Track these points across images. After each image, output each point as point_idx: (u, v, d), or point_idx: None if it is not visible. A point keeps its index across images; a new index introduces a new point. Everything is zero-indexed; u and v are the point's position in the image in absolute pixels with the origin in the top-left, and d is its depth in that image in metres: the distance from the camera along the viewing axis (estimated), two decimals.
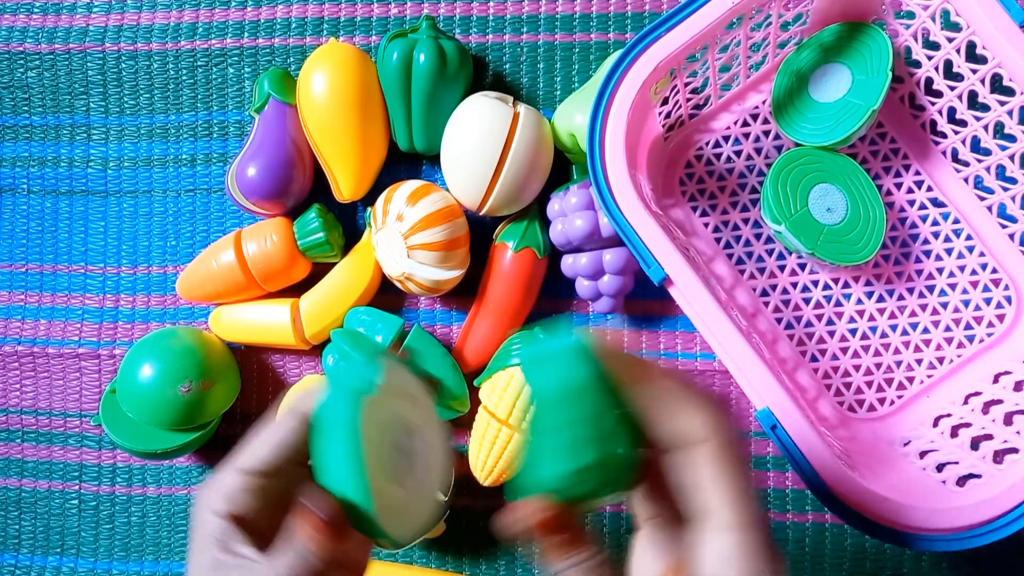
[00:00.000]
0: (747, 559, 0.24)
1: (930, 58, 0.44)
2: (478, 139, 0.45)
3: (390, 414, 0.29)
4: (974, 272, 0.47)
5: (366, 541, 0.29)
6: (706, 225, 0.50)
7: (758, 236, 0.49)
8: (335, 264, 0.51)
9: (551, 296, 0.51)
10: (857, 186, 0.46)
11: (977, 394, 0.45)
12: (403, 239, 0.46)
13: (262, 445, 0.29)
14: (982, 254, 0.47)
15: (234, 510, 0.28)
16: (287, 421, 0.29)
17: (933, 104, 0.46)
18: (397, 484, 0.29)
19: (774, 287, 0.49)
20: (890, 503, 0.36)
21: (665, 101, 0.46)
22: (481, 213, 0.48)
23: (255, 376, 0.53)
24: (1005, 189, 0.45)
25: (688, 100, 0.48)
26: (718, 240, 0.50)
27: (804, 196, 0.45)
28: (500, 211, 0.48)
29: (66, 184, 0.55)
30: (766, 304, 0.49)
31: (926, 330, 0.48)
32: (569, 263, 0.48)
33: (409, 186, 0.47)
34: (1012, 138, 0.43)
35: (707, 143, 0.50)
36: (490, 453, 0.47)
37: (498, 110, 0.46)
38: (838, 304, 0.49)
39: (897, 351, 0.48)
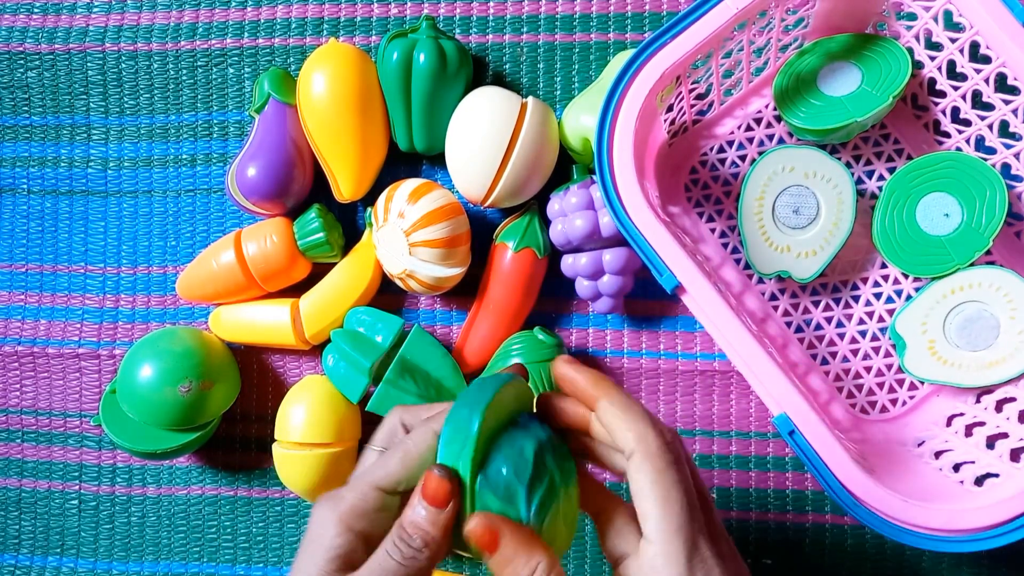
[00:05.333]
0: (666, 570, 0.26)
1: (933, 59, 0.44)
2: (486, 129, 0.45)
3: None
4: None
5: (447, 528, 0.28)
6: (712, 231, 0.50)
7: None
8: (335, 264, 0.51)
9: (551, 296, 0.51)
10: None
11: (989, 392, 0.45)
12: (405, 236, 0.46)
13: (396, 460, 0.29)
14: (989, 252, 0.47)
15: (367, 529, 0.28)
16: (421, 434, 0.29)
17: (936, 104, 0.46)
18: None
19: (783, 291, 0.49)
20: (911, 505, 0.36)
21: (669, 108, 0.46)
22: (485, 205, 0.48)
23: (255, 376, 0.53)
24: (1011, 187, 0.45)
25: (692, 106, 0.48)
26: (725, 245, 0.50)
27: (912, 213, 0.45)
28: (504, 203, 0.48)
29: (66, 184, 0.55)
30: (775, 308, 0.49)
31: None
32: (569, 263, 0.48)
33: (410, 184, 0.47)
34: (1017, 136, 0.43)
35: (711, 148, 0.50)
36: None
37: (507, 100, 0.46)
38: (847, 306, 0.49)
39: None
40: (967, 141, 0.45)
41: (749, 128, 0.50)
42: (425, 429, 0.29)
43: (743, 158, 0.50)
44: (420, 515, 0.27)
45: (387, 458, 0.29)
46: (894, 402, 0.48)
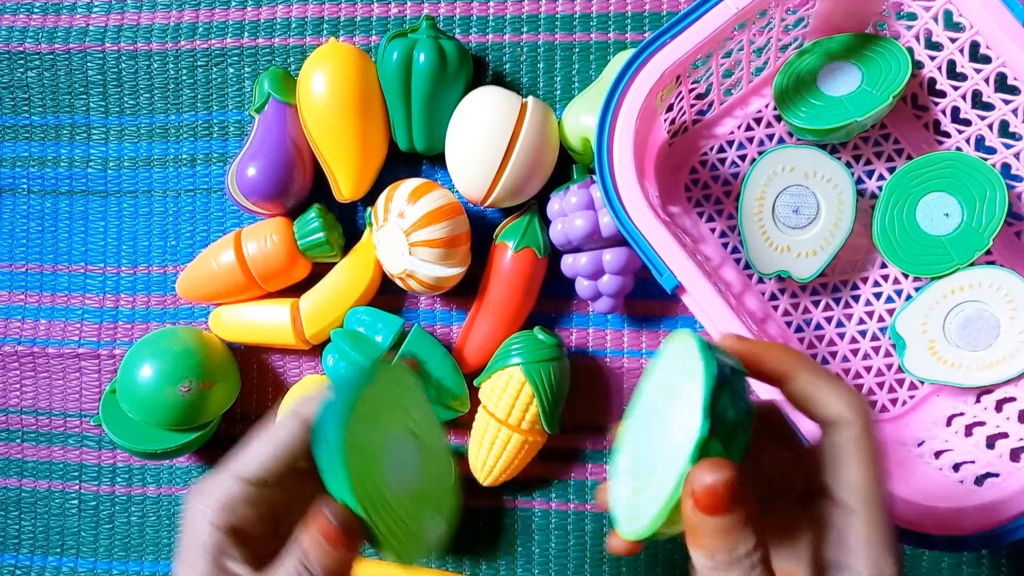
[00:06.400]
0: (875, 541, 0.25)
1: (933, 59, 0.44)
2: (486, 129, 0.45)
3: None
4: None
5: (353, 558, 0.27)
6: (712, 231, 0.50)
7: None
8: (335, 264, 0.51)
9: (551, 296, 0.51)
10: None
11: (989, 392, 0.45)
12: (405, 236, 0.46)
13: (262, 451, 0.27)
14: (989, 252, 0.47)
15: (232, 522, 0.26)
16: (289, 425, 0.28)
17: (936, 104, 0.46)
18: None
19: (783, 291, 0.49)
20: (910, 505, 0.36)
21: (669, 108, 0.46)
22: (485, 205, 0.48)
23: (255, 376, 0.53)
24: (1011, 187, 0.45)
25: (692, 106, 0.48)
26: (725, 245, 0.50)
27: (912, 213, 0.45)
28: (504, 203, 0.48)
29: (66, 184, 0.55)
30: (775, 308, 0.49)
31: None
32: (569, 263, 0.48)
33: (410, 184, 0.47)
34: (1017, 136, 0.43)
35: (711, 148, 0.50)
36: (490, 453, 0.47)
37: (507, 100, 0.46)
38: (847, 306, 0.49)
39: None
40: (967, 141, 0.45)
41: (749, 128, 0.50)
42: (294, 421, 0.28)
43: (743, 158, 0.50)
44: (321, 552, 0.25)
45: (253, 446, 0.28)
46: (894, 402, 0.48)
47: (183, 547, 0.27)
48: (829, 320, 0.49)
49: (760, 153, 0.48)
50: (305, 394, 0.30)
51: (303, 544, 0.26)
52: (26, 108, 0.55)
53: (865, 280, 0.49)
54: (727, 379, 0.25)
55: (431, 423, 0.32)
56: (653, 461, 0.26)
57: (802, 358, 0.28)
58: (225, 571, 0.26)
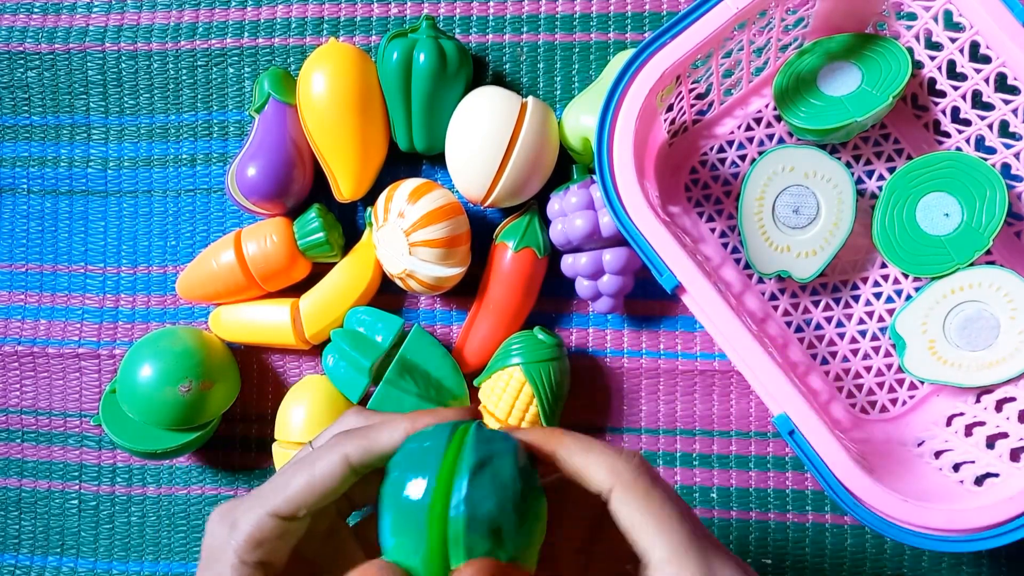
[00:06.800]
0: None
1: (933, 59, 0.44)
2: (486, 128, 0.45)
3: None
4: None
5: None
6: (712, 231, 0.50)
7: None
8: (335, 264, 0.51)
9: (551, 296, 0.51)
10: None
11: (989, 392, 0.45)
12: (405, 236, 0.46)
13: (298, 484, 0.25)
14: (989, 252, 0.47)
15: (262, 557, 0.25)
16: (329, 459, 0.26)
17: (936, 104, 0.46)
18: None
19: (783, 291, 0.49)
20: (910, 505, 0.36)
21: (669, 108, 0.46)
22: (485, 205, 0.48)
23: (255, 376, 0.53)
24: (1011, 187, 0.45)
25: (692, 106, 0.48)
26: (725, 245, 0.50)
27: (912, 214, 0.45)
28: (504, 203, 0.48)
29: (66, 184, 0.55)
30: (775, 308, 0.49)
31: None
32: (569, 263, 0.48)
33: (410, 184, 0.47)
34: (1017, 136, 0.43)
35: (711, 148, 0.50)
36: None
37: (507, 100, 0.46)
38: (847, 306, 0.49)
39: None
40: (967, 141, 0.45)
41: (749, 128, 0.50)
42: (335, 454, 0.26)
43: (743, 158, 0.50)
44: None
45: (288, 479, 0.26)
46: (894, 402, 0.48)
47: (208, 571, 0.26)
48: (829, 320, 0.49)
49: (760, 153, 0.48)
50: (347, 424, 0.28)
51: None
52: (26, 108, 0.55)
53: (865, 280, 0.49)
54: (485, 462, 0.23)
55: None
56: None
57: (562, 436, 0.26)
58: None
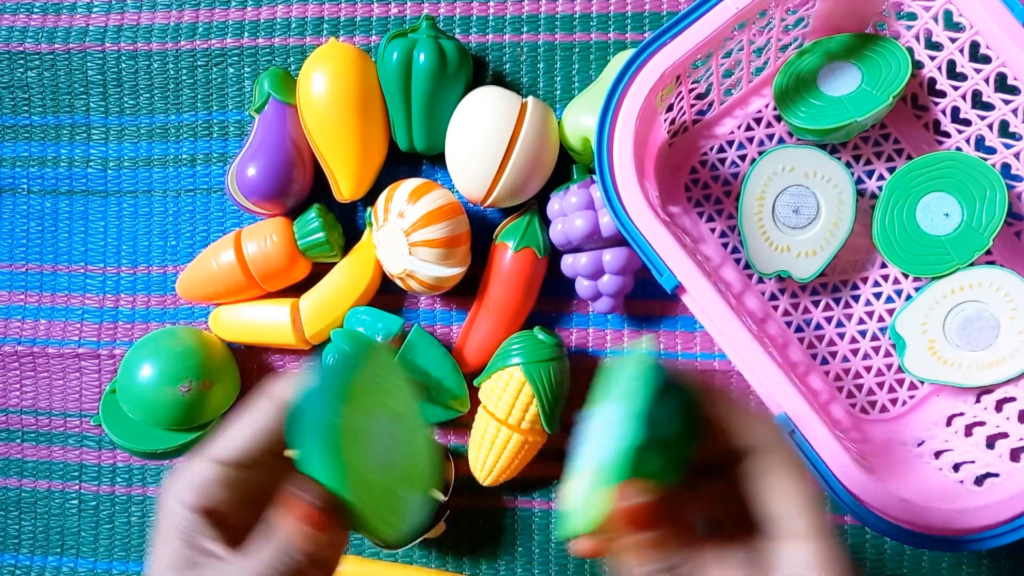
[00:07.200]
0: (827, 569, 0.24)
1: (933, 59, 0.44)
2: (486, 128, 0.45)
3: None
4: None
5: (341, 541, 0.26)
6: (712, 231, 0.50)
7: None
8: (335, 264, 0.51)
9: (551, 296, 0.51)
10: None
11: (989, 392, 0.45)
12: (405, 236, 0.46)
13: (238, 433, 0.27)
14: (989, 252, 0.47)
15: (205, 503, 0.26)
16: (264, 407, 0.27)
17: (936, 104, 0.46)
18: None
19: (783, 291, 0.49)
20: (910, 505, 0.36)
21: (669, 108, 0.46)
22: (485, 205, 0.48)
23: (255, 376, 0.53)
24: (1011, 187, 0.45)
25: (692, 106, 0.48)
26: (725, 245, 0.50)
27: (912, 214, 0.45)
28: (504, 203, 0.48)
29: (66, 184, 0.55)
30: (775, 308, 0.49)
31: None
32: (569, 263, 0.48)
33: (410, 184, 0.47)
34: (1017, 136, 0.43)
35: (711, 148, 0.50)
36: (490, 453, 0.47)
37: (507, 100, 0.46)
38: (847, 306, 0.49)
39: None
40: (967, 141, 0.45)
41: (749, 128, 0.50)
42: (270, 403, 0.27)
43: (743, 158, 0.50)
44: (304, 538, 0.25)
45: (229, 429, 0.27)
46: (894, 402, 0.48)
47: (158, 529, 0.26)
48: (829, 320, 0.49)
49: (760, 153, 0.48)
50: (281, 377, 0.30)
51: (284, 531, 0.25)
52: (26, 108, 0.55)
53: (865, 280, 0.49)
54: (669, 392, 0.25)
55: (410, 401, 0.32)
56: (596, 464, 0.26)
57: (722, 387, 0.27)
58: (198, 549, 0.25)
